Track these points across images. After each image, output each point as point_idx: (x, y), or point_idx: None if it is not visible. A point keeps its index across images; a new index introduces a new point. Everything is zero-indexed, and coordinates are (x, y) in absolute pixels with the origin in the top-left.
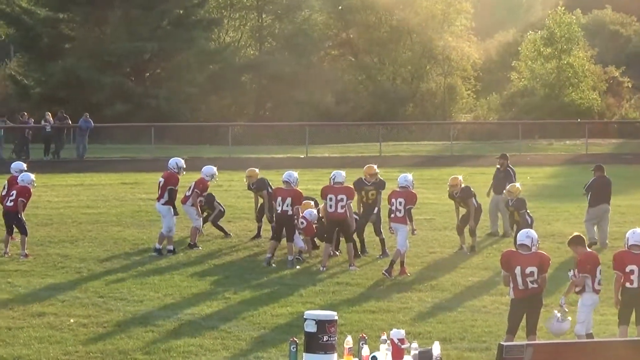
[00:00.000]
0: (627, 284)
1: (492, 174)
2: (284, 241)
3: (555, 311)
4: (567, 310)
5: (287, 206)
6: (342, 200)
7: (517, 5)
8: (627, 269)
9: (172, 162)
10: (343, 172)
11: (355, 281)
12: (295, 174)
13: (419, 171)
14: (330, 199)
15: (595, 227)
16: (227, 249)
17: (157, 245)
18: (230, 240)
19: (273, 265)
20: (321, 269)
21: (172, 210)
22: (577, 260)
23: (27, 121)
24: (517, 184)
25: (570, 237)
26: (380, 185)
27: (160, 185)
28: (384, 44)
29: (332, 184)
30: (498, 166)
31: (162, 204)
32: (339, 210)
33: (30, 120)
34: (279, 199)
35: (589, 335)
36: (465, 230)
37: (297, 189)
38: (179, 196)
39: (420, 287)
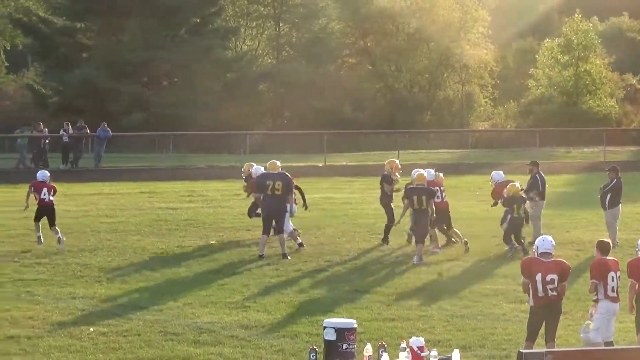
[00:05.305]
0: None
1: (509, 182)
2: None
3: (589, 321)
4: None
5: (51, 195)
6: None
7: (534, 12)
8: None
9: None
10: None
11: (374, 289)
12: (47, 173)
13: None
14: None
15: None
16: (248, 257)
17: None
18: (250, 249)
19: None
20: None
21: None
22: None
23: (42, 130)
24: (517, 184)
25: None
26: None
27: None
28: (401, 52)
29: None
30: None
31: None
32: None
33: (45, 130)
34: (44, 189)
35: (609, 344)
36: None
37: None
38: None
39: (439, 294)
